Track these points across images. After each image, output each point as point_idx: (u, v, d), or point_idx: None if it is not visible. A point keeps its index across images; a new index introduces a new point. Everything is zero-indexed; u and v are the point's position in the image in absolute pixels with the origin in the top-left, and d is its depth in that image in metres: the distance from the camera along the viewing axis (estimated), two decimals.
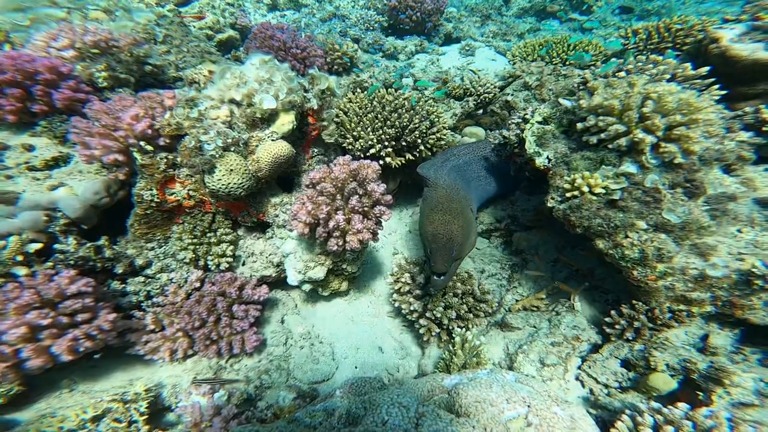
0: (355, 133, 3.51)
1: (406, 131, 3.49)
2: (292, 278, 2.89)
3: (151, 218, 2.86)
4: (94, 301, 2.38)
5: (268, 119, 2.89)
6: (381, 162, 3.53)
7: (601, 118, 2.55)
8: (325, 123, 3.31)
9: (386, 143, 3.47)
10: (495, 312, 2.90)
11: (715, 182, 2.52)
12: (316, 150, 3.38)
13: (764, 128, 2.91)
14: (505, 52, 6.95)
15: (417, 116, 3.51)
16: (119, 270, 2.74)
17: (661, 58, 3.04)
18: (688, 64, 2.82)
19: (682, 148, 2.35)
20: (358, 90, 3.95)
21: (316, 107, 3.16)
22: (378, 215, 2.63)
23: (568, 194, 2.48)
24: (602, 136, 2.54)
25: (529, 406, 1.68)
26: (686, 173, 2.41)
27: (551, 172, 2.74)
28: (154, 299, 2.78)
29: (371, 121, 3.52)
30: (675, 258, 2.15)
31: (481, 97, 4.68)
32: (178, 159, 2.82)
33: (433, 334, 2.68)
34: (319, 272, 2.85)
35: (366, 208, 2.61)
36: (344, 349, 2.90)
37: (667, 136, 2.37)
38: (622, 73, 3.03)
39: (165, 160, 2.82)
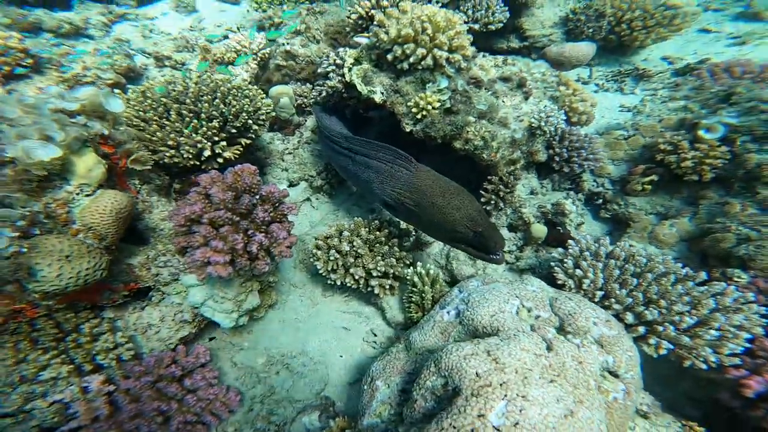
0: (170, 142, 2.73)
1: (230, 117, 2.99)
2: (227, 321, 2.43)
3: None
4: None
5: (60, 172, 1.89)
6: (220, 159, 2.99)
7: (405, 46, 2.99)
8: (127, 146, 2.43)
9: (216, 138, 2.91)
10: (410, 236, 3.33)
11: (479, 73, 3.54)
12: (136, 181, 2.51)
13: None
14: None
15: (231, 96, 3.02)
16: None
17: None
18: None
19: (462, 54, 3.14)
20: (116, 91, 2.96)
21: (106, 132, 2.25)
22: (286, 213, 2.40)
23: (418, 116, 2.96)
24: (411, 60, 3.01)
25: (517, 297, 1.92)
26: (468, 72, 3.28)
27: (389, 102, 3.11)
28: (61, 428, 2.05)
29: (179, 121, 2.81)
30: (498, 135, 3.08)
31: (259, 54, 4.33)
32: None
33: (387, 287, 2.84)
34: (253, 299, 2.49)
35: (273, 214, 2.32)
36: (316, 349, 2.77)
37: (450, 48, 3.08)
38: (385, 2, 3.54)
39: None
